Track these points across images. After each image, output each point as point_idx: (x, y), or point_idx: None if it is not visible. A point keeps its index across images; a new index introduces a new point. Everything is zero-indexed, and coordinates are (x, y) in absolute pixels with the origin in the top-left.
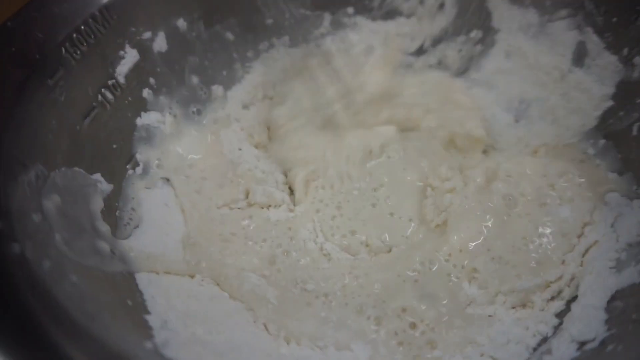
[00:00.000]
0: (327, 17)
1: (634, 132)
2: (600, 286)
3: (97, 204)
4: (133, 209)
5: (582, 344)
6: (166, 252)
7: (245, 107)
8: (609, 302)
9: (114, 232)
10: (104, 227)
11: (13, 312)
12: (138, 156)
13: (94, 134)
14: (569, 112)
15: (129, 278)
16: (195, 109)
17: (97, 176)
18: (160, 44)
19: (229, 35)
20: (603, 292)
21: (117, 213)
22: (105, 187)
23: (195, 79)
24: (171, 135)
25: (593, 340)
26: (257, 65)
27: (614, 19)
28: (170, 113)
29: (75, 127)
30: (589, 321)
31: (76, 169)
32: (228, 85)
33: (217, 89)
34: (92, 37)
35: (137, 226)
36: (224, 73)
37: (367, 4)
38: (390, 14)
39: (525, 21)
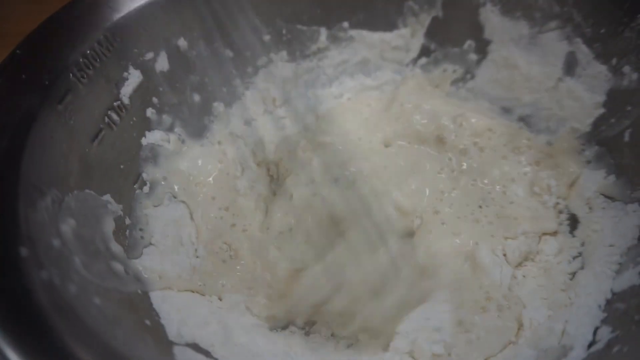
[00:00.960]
0: (323, 32)
1: (626, 138)
2: (597, 288)
3: (109, 225)
4: (142, 229)
5: (589, 346)
6: (177, 269)
7: (247, 123)
8: (609, 303)
9: (126, 252)
10: (117, 248)
11: (45, 339)
12: (144, 175)
13: (102, 155)
14: (562, 119)
15: (145, 297)
16: (198, 127)
17: (107, 197)
18: (162, 63)
19: (229, 52)
20: (600, 294)
21: (127, 233)
22: (115, 207)
23: (196, 97)
24: (175, 154)
25: (599, 342)
26: (257, 81)
27: (602, 30)
28: (173, 131)
29: (84, 149)
30: (585, 321)
31: (87, 191)
32: (229, 102)
33: (218, 106)
34: (98, 60)
35: (147, 245)
36: (224, 90)
37: (361, 18)
38: (384, 27)
39: (517, 32)
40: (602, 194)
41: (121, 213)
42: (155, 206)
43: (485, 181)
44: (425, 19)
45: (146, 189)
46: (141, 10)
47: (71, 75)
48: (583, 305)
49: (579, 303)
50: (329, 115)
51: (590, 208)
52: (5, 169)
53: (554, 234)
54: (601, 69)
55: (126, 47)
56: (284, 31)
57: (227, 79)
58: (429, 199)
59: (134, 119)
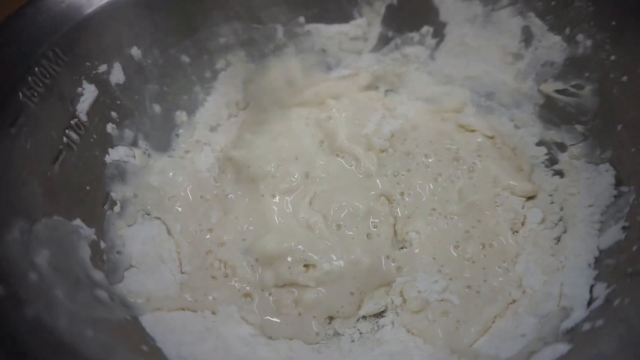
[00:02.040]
0: (279, 29)
1: (590, 103)
2: (585, 248)
3: (85, 251)
4: (119, 251)
5: (588, 304)
6: (164, 288)
7: (213, 129)
8: (598, 261)
9: (107, 277)
10: (97, 275)
11: None
12: (113, 194)
13: (66, 178)
14: (524, 94)
15: (136, 323)
16: (162, 138)
17: (77, 222)
18: (117, 75)
19: (185, 58)
20: (588, 253)
21: (104, 257)
22: (88, 231)
23: (157, 108)
24: (143, 169)
25: (597, 299)
26: (218, 85)
27: (552, 3)
28: (138, 146)
29: (46, 173)
30: (580, 282)
31: (56, 217)
32: (191, 109)
33: (180, 115)
34: (48, 77)
35: (128, 267)
36: (185, 98)
37: (316, 12)
38: (340, 19)
39: (471, 13)
40: (573, 158)
41: (95, 237)
42: (129, 226)
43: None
44: (381, 7)
45: (117, 208)
46: (89, 20)
47: (20, 94)
48: (574, 266)
49: (570, 264)
50: None
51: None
52: None
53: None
54: (556, 39)
55: (77, 61)
56: (240, 32)
57: (186, 86)
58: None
59: (94, 136)
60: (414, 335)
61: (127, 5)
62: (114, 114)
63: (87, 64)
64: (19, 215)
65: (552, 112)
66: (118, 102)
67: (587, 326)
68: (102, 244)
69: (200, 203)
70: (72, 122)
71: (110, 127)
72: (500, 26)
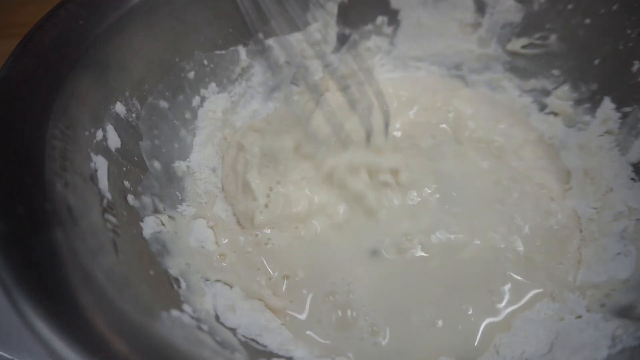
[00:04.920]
0: (242, 50)
1: (555, 47)
2: (618, 169)
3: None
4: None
5: None
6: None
7: (213, 170)
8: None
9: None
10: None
11: None
12: (171, 271)
13: (129, 266)
14: (491, 57)
15: None
16: (173, 196)
17: (176, 312)
18: (113, 139)
19: (164, 104)
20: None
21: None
22: (189, 320)
23: (157, 164)
24: (175, 234)
25: None
26: (199, 124)
27: None
28: (160, 211)
29: (110, 266)
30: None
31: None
32: (185, 157)
33: (179, 166)
34: (66, 158)
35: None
36: (176, 146)
37: (273, 25)
38: (297, 27)
39: None
40: (561, 100)
41: (195, 322)
42: (201, 297)
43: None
44: (333, 7)
45: (183, 284)
46: (71, 85)
47: (57, 185)
48: (620, 185)
49: (616, 185)
50: None
51: None
52: None
53: None
54: (509, 3)
55: (78, 133)
56: (205, 62)
57: (173, 134)
58: None
59: (124, 213)
60: None
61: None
62: (127, 184)
63: (86, 133)
64: None
65: (524, 65)
66: (124, 168)
67: None
68: (205, 327)
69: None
70: (104, 203)
71: (130, 199)
72: (453, 1)
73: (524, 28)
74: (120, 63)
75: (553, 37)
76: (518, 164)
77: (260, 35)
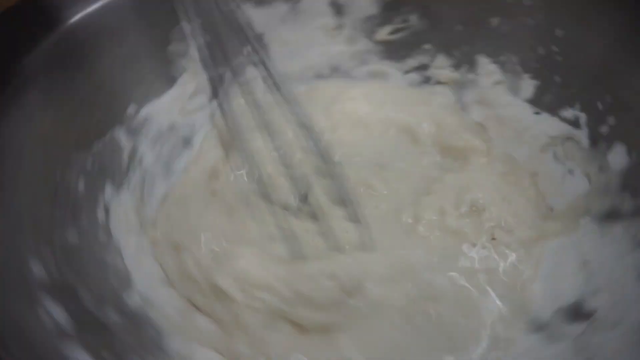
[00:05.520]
0: (120, 132)
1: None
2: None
3: None
4: None
5: None
6: None
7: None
8: None
9: None
10: None
11: None
12: None
13: None
14: (367, 51)
15: None
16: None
17: None
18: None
19: (72, 238)
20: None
21: None
22: None
23: (111, 313)
24: None
25: None
26: (118, 239)
27: None
28: None
29: None
30: None
31: None
32: (127, 287)
33: (131, 301)
34: None
35: None
36: (114, 281)
37: (144, 94)
38: (169, 87)
39: (278, 13)
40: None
41: None
42: None
43: None
44: (194, 52)
45: None
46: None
47: None
48: None
49: None
50: None
51: None
52: None
53: None
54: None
55: None
56: (88, 164)
57: (101, 267)
58: None
59: None
60: None
61: None
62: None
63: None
64: None
65: (397, 49)
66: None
67: None
68: None
69: None
70: None
71: None
72: (310, 11)
73: (384, 17)
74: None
75: (413, 17)
76: (437, 131)
77: (132, 108)
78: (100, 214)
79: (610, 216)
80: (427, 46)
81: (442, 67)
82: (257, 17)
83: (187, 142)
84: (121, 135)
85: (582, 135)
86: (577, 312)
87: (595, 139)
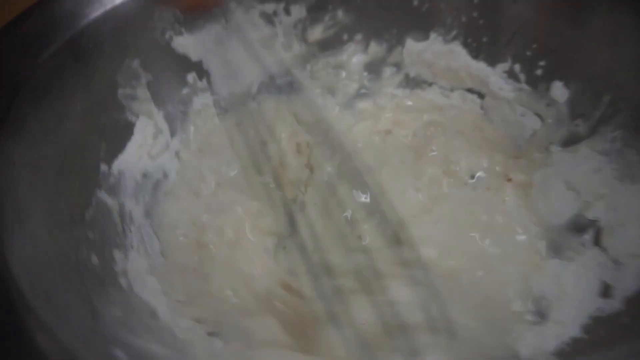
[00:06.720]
0: (101, 194)
1: (346, 19)
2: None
3: None
4: None
5: None
6: None
7: None
8: None
9: None
10: None
11: None
12: None
13: None
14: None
15: None
16: None
17: None
18: None
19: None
20: None
21: None
22: None
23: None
24: None
25: None
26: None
27: None
28: None
29: None
30: None
31: None
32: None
33: None
34: None
35: None
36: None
37: (107, 149)
38: (125, 139)
39: (211, 39)
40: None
41: None
42: None
43: None
44: (144, 93)
45: None
46: None
47: None
48: None
49: None
50: None
51: None
52: None
53: None
54: None
55: None
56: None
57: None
58: None
59: None
60: None
61: None
62: None
63: None
64: None
65: (331, 45)
66: None
67: None
68: None
69: None
70: None
71: None
72: (243, 27)
73: (312, 18)
74: None
75: (339, 14)
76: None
77: (104, 166)
78: (124, 282)
79: (573, 141)
80: (358, 36)
81: (376, 52)
82: (193, 44)
83: (162, 185)
84: (105, 198)
85: (522, 82)
86: (581, 226)
87: (534, 83)
